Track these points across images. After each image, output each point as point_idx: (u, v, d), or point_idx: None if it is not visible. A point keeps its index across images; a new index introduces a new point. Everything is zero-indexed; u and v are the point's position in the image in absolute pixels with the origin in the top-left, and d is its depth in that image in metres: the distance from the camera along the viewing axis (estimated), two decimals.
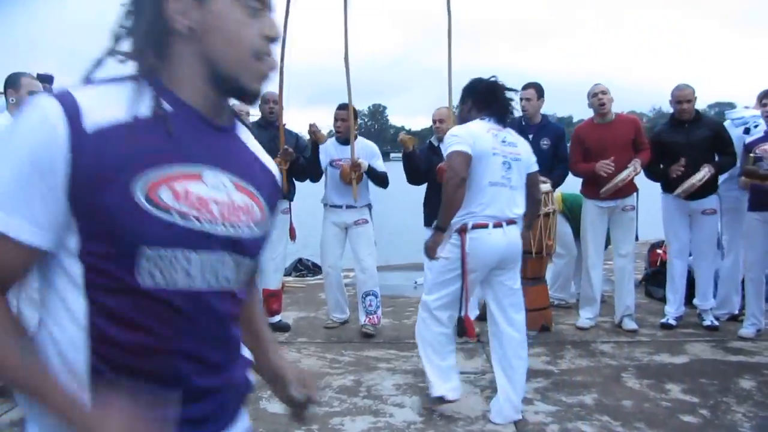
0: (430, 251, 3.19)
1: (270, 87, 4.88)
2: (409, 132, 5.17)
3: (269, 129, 4.79)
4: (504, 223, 3.20)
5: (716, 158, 4.62)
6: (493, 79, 3.36)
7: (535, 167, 3.44)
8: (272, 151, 4.57)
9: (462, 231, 3.18)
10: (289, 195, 4.86)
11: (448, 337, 3.36)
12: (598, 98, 4.73)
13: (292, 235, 5.02)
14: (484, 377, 3.88)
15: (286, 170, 4.60)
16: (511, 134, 3.34)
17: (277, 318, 4.94)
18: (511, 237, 3.24)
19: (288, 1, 4.38)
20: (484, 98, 3.31)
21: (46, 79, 4.98)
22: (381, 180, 4.87)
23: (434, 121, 4.88)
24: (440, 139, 4.79)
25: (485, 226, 3.17)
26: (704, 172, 4.47)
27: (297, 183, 4.97)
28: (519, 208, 3.29)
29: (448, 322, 3.31)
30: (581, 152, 4.84)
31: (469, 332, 3.28)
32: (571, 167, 4.89)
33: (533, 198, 3.45)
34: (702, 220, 4.72)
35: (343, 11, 4.59)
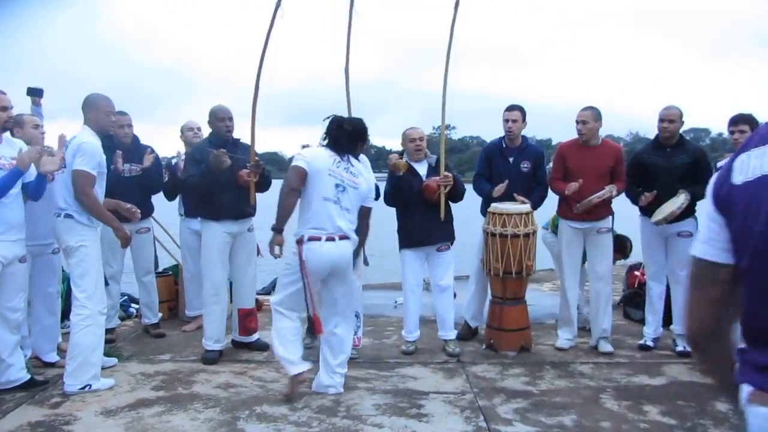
0: (270, 249, 3.86)
1: (227, 103, 4.78)
2: (396, 152, 5.07)
3: (226, 147, 4.50)
4: (336, 237, 3.76)
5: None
6: (338, 119, 3.93)
7: (370, 203, 4.02)
8: (230, 168, 4.44)
9: (299, 242, 3.75)
10: (254, 210, 4.76)
11: (294, 329, 3.90)
12: (578, 127, 4.75)
13: (259, 251, 5.00)
14: (464, 397, 3.87)
15: (255, 183, 4.54)
16: (356, 167, 3.88)
17: (255, 337, 4.89)
18: (342, 249, 3.81)
19: (272, 20, 4.38)
20: (332, 136, 3.89)
21: (36, 93, 4.96)
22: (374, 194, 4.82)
23: (413, 140, 4.74)
24: (418, 159, 4.80)
25: (318, 239, 3.73)
26: (682, 200, 4.47)
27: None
28: (351, 227, 3.86)
29: (296, 319, 3.89)
30: (562, 170, 4.86)
31: (317, 329, 3.82)
32: (549, 182, 4.93)
33: (360, 228, 4.00)
34: (677, 243, 4.72)
35: (347, 35, 4.66)
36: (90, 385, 3.91)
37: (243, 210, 4.64)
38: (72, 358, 3.92)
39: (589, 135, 4.72)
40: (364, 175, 3.91)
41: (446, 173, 4.58)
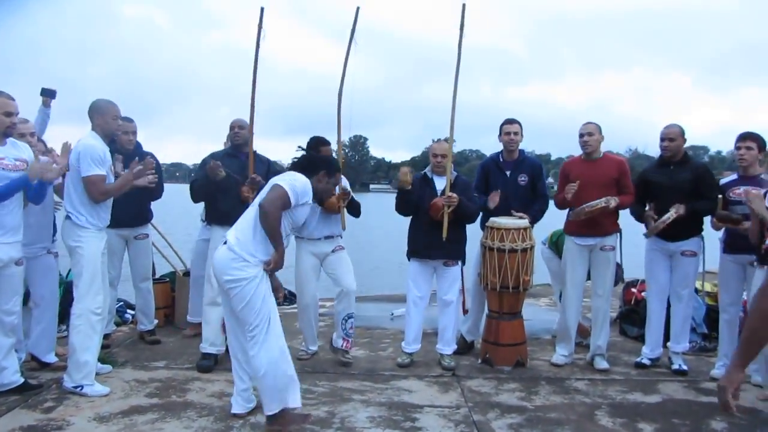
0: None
1: (227, 111, 4.98)
2: (393, 164, 5.10)
3: (239, 156, 4.82)
4: (224, 242, 3.52)
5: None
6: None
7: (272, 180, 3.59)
8: (232, 178, 4.63)
9: None
10: None
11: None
12: (583, 139, 4.78)
13: None
14: (459, 411, 3.85)
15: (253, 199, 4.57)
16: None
17: None
18: (216, 257, 3.50)
19: (258, 30, 4.44)
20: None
21: (49, 94, 5.03)
22: (357, 209, 4.90)
23: (435, 155, 4.78)
24: (438, 173, 4.82)
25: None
26: (670, 214, 4.48)
27: None
28: (237, 231, 3.50)
29: None
30: (565, 185, 4.86)
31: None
32: (554, 199, 4.98)
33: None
34: (680, 261, 4.71)
35: (346, 52, 4.76)
36: (82, 386, 3.91)
37: None
38: (68, 356, 4.00)
39: (594, 146, 4.78)
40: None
41: (450, 194, 4.58)
